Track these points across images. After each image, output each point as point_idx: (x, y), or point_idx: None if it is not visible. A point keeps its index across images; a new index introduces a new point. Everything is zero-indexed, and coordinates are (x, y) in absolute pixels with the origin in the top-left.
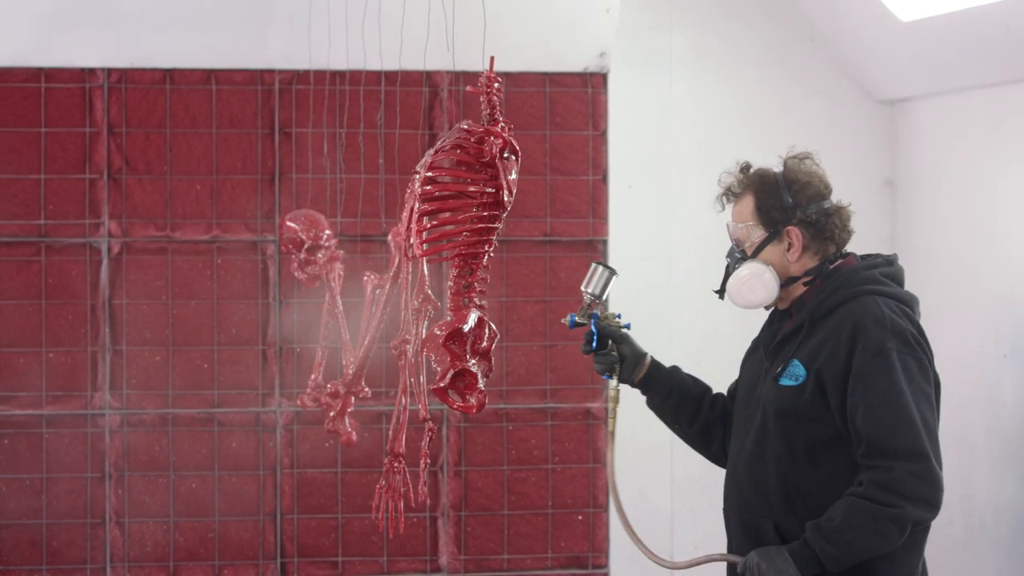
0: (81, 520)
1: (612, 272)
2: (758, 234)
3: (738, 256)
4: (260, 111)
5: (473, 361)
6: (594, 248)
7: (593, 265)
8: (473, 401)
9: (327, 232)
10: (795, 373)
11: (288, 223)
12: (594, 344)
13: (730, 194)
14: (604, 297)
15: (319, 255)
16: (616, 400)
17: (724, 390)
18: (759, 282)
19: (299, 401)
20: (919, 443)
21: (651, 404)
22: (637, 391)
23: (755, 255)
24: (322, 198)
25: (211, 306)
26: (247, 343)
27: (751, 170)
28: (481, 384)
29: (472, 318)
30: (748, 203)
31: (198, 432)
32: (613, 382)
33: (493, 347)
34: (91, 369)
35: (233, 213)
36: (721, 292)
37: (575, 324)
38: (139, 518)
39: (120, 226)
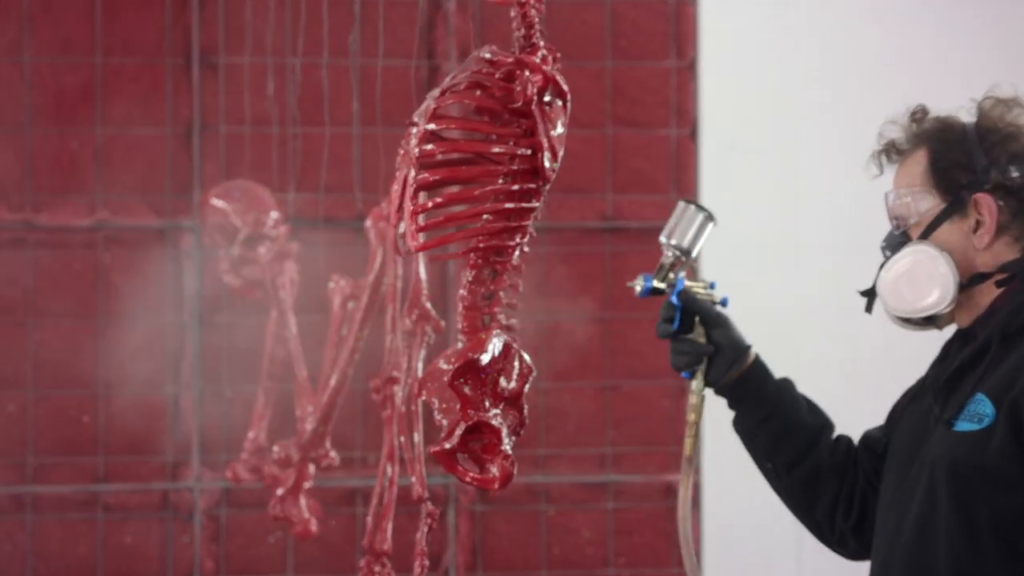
0: None
1: (709, 217)
2: (931, 204)
3: (898, 240)
4: (170, 30)
5: (496, 411)
6: None
7: (680, 205)
8: (495, 471)
9: (273, 215)
10: (978, 412)
11: (215, 202)
12: (676, 323)
13: (893, 151)
14: (694, 254)
15: (261, 250)
16: (700, 409)
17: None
18: (928, 275)
19: (229, 472)
20: None
21: (738, 425)
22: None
23: (925, 236)
24: (266, 164)
25: (94, 327)
26: (150, 384)
27: (927, 117)
28: (507, 446)
29: (495, 345)
30: (919, 161)
31: (72, 521)
32: (696, 383)
33: (526, 389)
34: None
35: (129, 185)
36: (869, 298)
37: (650, 291)
38: None
39: None
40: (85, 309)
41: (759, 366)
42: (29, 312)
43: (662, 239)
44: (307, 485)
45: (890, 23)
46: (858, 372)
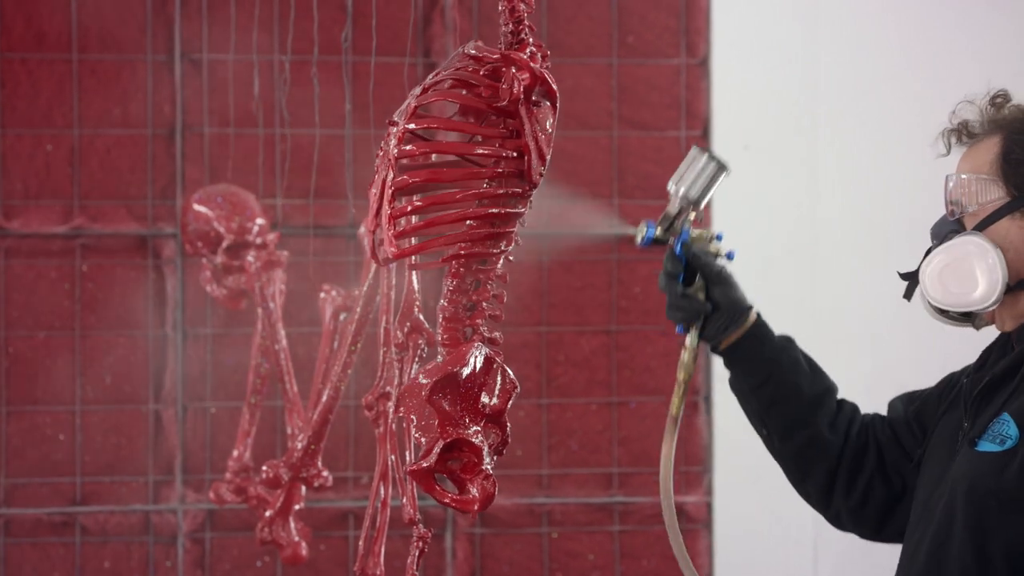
0: None
1: (722, 167)
2: (994, 196)
3: (952, 229)
4: (150, 24)
5: (476, 428)
6: None
7: (693, 150)
8: (474, 492)
9: (259, 222)
10: (1002, 433)
11: (197, 207)
12: (681, 277)
13: (965, 132)
14: (702, 204)
15: (247, 258)
16: (690, 368)
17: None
18: (977, 269)
19: (213, 493)
20: None
21: (733, 387)
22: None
23: (981, 227)
24: (252, 167)
25: (71, 340)
26: (130, 400)
27: (1008, 104)
28: (488, 465)
29: (475, 359)
30: (991, 148)
31: (48, 545)
32: (691, 339)
33: (509, 405)
34: None
35: (107, 190)
36: (910, 283)
37: (651, 240)
38: None
39: None
40: (61, 321)
41: (759, 328)
42: (1, 324)
43: (669, 186)
44: (297, 507)
45: (911, 18)
46: (877, 379)
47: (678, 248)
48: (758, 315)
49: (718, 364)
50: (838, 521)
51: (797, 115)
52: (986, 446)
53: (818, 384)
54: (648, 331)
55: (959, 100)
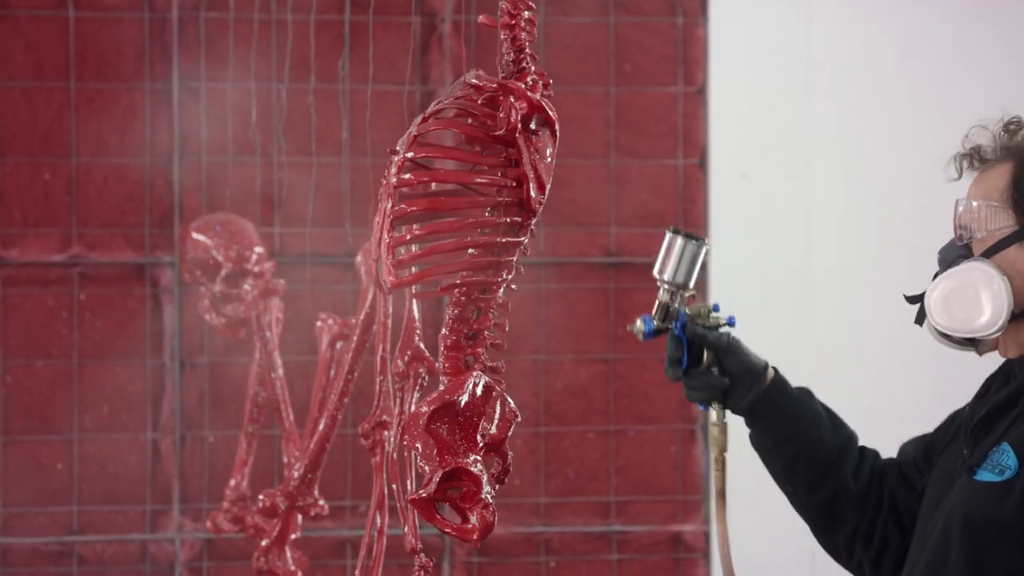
0: None
1: (700, 243)
2: (1003, 223)
3: (960, 254)
4: (148, 52)
5: (476, 456)
6: None
7: (667, 236)
8: (474, 521)
9: (257, 250)
10: (1000, 463)
11: (195, 236)
12: (685, 361)
13: (977, 158)
14: (692, 284)
15: (245, 286)
16: (722, 442)
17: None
18: (982, 295)
19: (210, 522)
20: None
21: (755, 443)
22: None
23: (989, 254)
24: (250, 195)
25: (68, 368)
26: (127, 429)
27: (1022, 131)
28: (487, 494)
29: (474, 387)
30: (1002, 175)
31: (46, 575)
32: (715, 414)
33: (510, 434)
34: None
35: (105, 219)
36: (921, 309)
37: (653, 333)
38: None
39: None
40: (59, 349)
41: (778, 384)
42: None
43: (655, 275)
44: (294, 536)
45: (909, 47)
46: (875, 406)
47: (678, 330)
48: (775, 371)
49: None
50: (860, 571)
51: (794, 143)
52: (985, 475)
53: (840, 435)
54: (646, 359)
55: (972, 125)
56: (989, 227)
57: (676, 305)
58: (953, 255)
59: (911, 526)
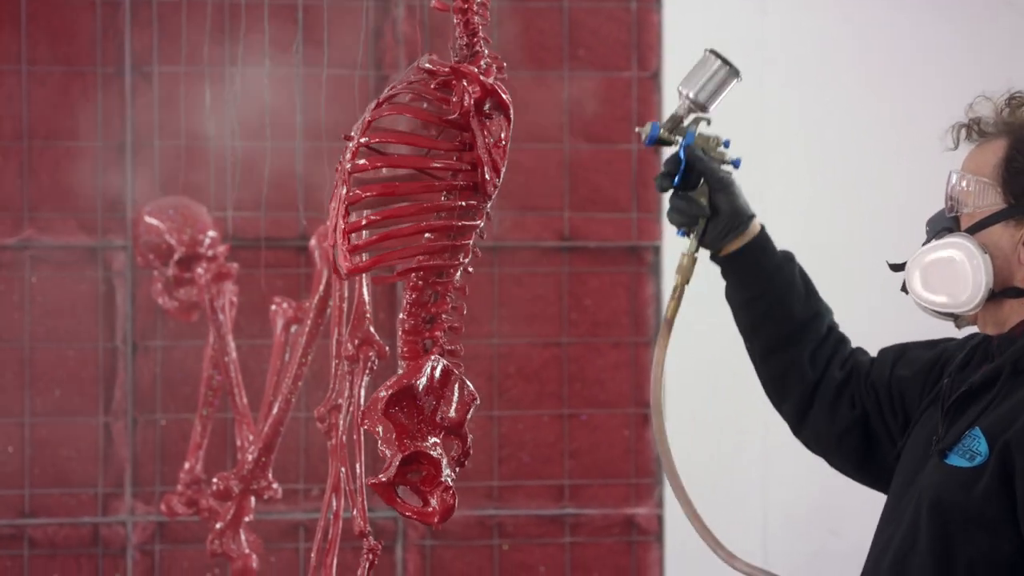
0: None
1: (732, 71)
2: (991, 200)
3: (946, 226)
4: (100, 37)
5: (435, 440)
6: (640, 259)
7: (704, 53)
8: (435, 504)
9: (211, 234)
10: (972, 449)
11: (148, 219)
12: (678, 178)
13: (975, 130)
14: (710, 108)
15: (198, 270)
16: (688, 273)
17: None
18: (962, 271)
19: (164, 506)
20: None
21: (727, 297)
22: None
23: (973, 230)
24: (203, 179)
25: (19, 352)
26: (79, 412)
27: (1022, 108)
28: (447, 477)
29: (432, 371)
30: (996, 151)
31: None
32: (690, 243)
33: (469, 417)
34: None
35: (58, 202)
36: (903, 273)
37: (656, 140)
38: None
39: None
40: (10, 332)
41: (761, 241)
42: None
43: (679, 87)
44: (247, 519)
45: (865, 33)
46: None
47: (681, 150)
48: (762, 226)
49: (672, 376)
50: (813, 446)
51: (750, 132)
52: (955, 460)
53: (810, 307)
54: (599, 343)
55: (977, 95)
56: (977, 203)
57: (686, 123)
58: (941, 225)
59: (862, 419)
